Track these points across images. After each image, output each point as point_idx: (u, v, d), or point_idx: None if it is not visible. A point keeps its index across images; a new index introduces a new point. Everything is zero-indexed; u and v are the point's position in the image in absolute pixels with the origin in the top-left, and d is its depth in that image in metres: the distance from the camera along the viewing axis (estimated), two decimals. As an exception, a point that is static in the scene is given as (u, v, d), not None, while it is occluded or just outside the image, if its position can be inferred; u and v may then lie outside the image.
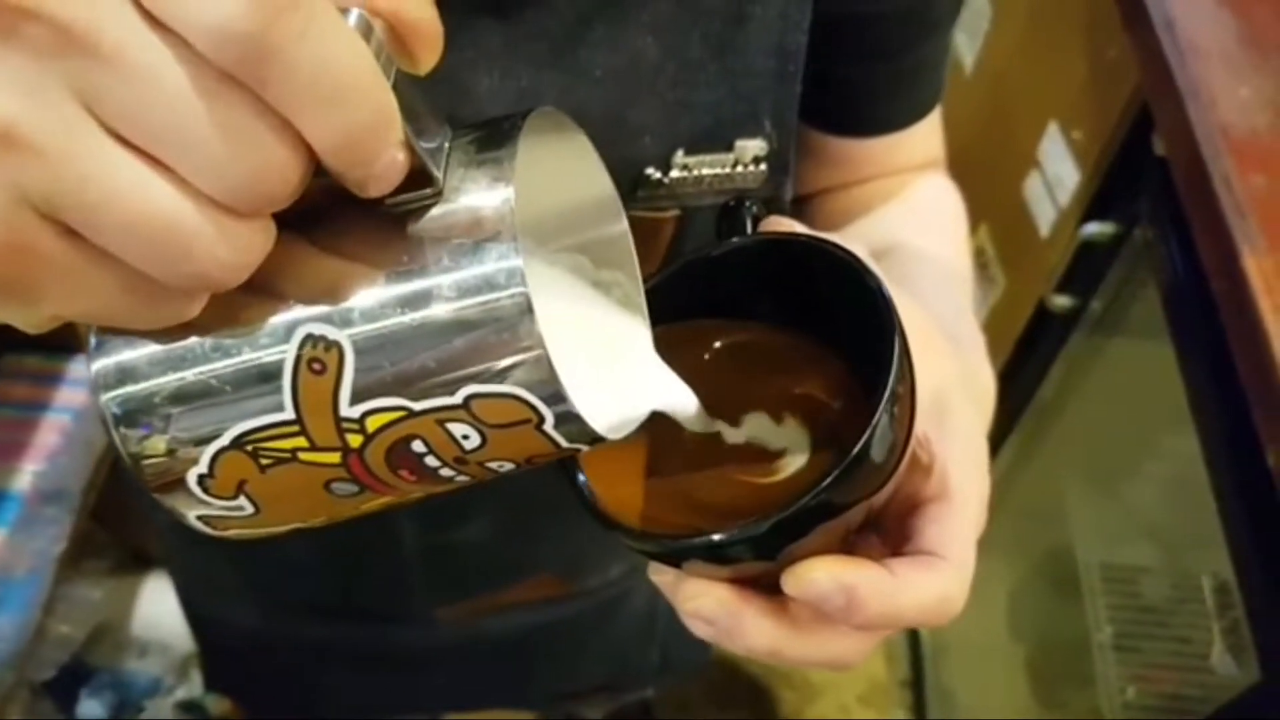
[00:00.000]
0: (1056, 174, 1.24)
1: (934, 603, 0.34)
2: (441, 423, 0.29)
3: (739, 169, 0.48)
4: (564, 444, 0.30)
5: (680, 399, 0.37)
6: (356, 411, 0.28)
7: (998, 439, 1.37)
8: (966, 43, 1.53)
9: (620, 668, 0.93)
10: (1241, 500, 0.81)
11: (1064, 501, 1.32)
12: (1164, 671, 1.18)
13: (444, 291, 0.27)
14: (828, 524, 0.33)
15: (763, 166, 0.49)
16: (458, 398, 0.28)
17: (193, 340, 0.28)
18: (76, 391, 1.07)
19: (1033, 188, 1.30)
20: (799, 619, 0.34)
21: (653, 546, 0.35)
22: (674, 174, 0.47)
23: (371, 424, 0.29)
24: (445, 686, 0.88)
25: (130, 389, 0.29)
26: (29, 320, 0.25)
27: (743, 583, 0.35)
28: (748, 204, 0.41)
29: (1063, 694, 1.35)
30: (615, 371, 0.37)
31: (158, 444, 0.29)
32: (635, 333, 0.38)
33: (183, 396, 0.29)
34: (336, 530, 0.66)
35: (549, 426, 0.29)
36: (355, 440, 0.29)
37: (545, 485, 0.62)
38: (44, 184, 0.22)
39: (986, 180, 1.47)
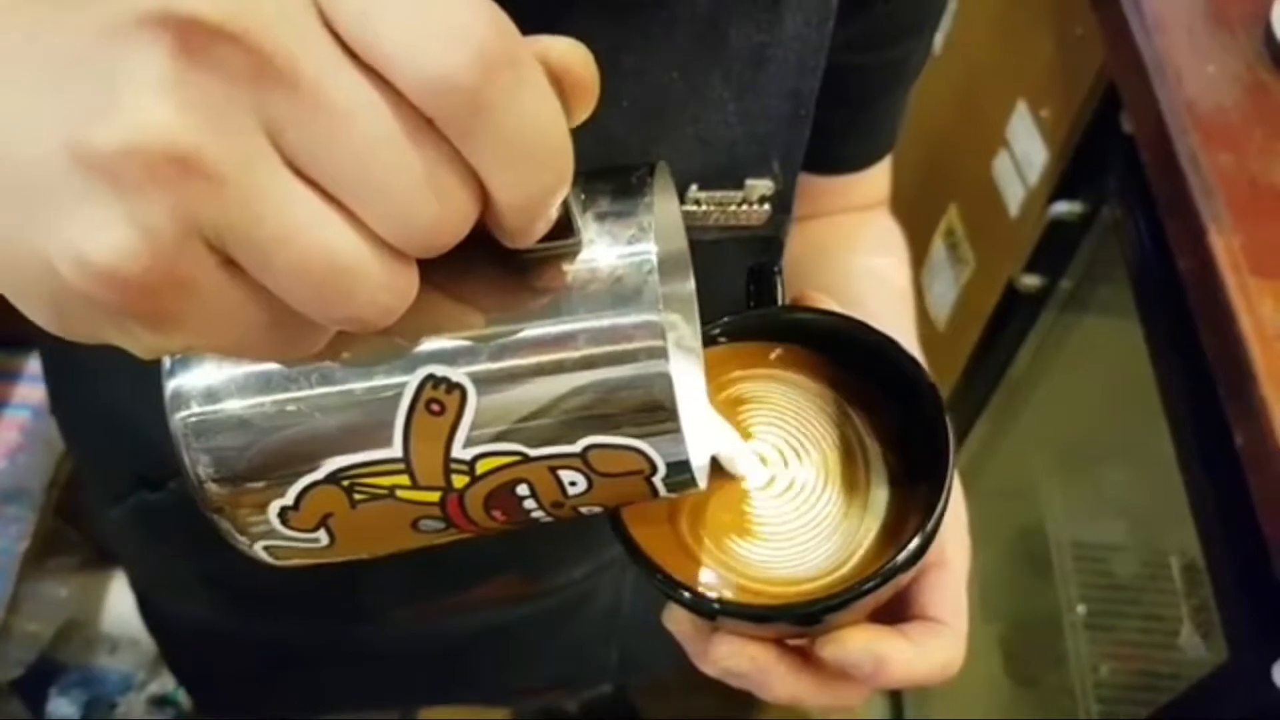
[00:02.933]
0: (1025, 153, 1.24)
1: (942, 667, 0.38)
2: (554, 469, 0.29)
3: (745, 207, 0.49)
4: (663, 493, 0.31)
5: (737, 450, 0.38)
6: (469, 454, 0.28)
7: (969, 418, 1.38)
8: (935, 21, 1.52)
9: (578, 666, 0.93)
10: (1209, 480, 0.81)
11: (1035, 480, 1.32)
12: (1136, 649, 1.18)
13: (580, 344, 0.27)
14: (866, 602, 0.35)
15: (767, 206, 0.50)
16: (577, 447, 0.28)
17: (297, 369, 0.27)
18: (35, 388, 1.06)
19: (1002, 167, 1.30)
20: (820, 674, 0.37)
21: (704, 608, 0.36)
22: (686, 207, 0.48)
23: (482, 467, 0.29)
24: (399, 683, 0.88)
25: (216, 410, 0.28)
26: (152, 347, 0.24)
27: (771, 639, 0.37)
28: (777, 269, 0.44)
29: (1036, 672, 1.36)
30: (693, 420, 0.38)
31: (242, 473, 0.28)
32: (695, 379, 0.38)
33: (280, 426, 0.28)
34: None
35: (659, 478, 0.30)
36: (460, 481, 0.29)
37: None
38: (219, 217, 0.21)
39: (957, 160, 1.47)
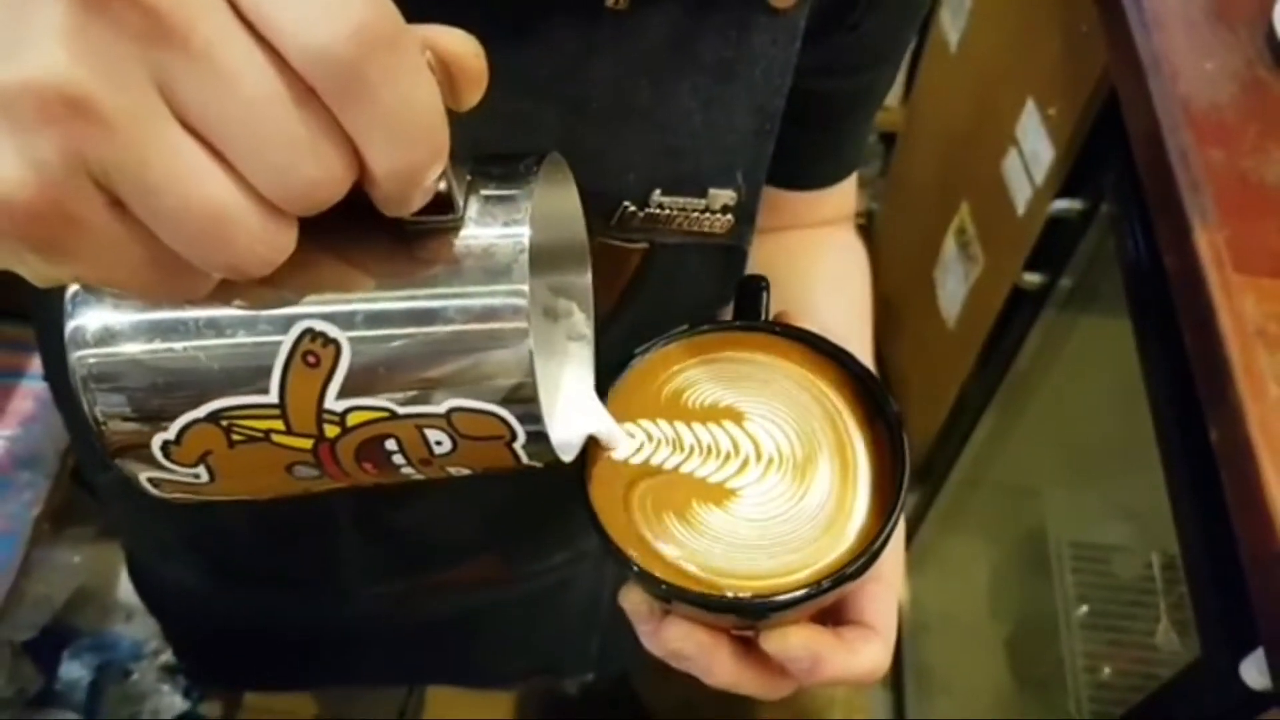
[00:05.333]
0: (1033, 151, 1.23)
1: (869, 670, 0.42)
2: (420, 428, 0.31)
3: (708, 215, 0.51)
4: (524, 460, 0.33)
5: (610, 430, 0.40)
6: (340, 406, 0.30)
7: (974, 417, 1.37)
8: (951, 20, 1.52)
9: (559, 653, 0.94)
10: (1186, 477, 0.81)
11: (1038, 478, 1.32)
12: (1134, 650, 1.18)
13: (450, 312, 0.29)
14: (814, 604, 0.38)
15: (730, 216, 0.51)
16: (441, 408, 0.31)
17: (187, 314, 0.30)
18: (49, 359, 1.09)
19: (1011, 165, 1.29)
20: (760, 665, 0.41)
21: (666, 593, 0.38)
22: (649, 210, 0.50)
23: (352, 419, 0.31)
24: (380, 663, 0.89)
25: (110, 350, 0.30)
26: (45, 275, 0.26)
27: (718, 627, 0.41)
28: (764, 285, 0.47)
29: (1038, 671, 1.35)
30: (566, 397, 0.40)
31: (129, 406, 0.30)
32: (582, 362, 0.41)
33: (167, 366, 0.30)
34: (276, 506, 0.67)
35: (519, 444, 0.32)
36: (332, 431, 0.31)
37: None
38: (107, 158, 0.23)
39: (969, 158, 1.47)
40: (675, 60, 0.47)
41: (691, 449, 0.41)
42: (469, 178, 0.31)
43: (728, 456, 0.41)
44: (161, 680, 1.35)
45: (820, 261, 0.65)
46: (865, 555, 0.38)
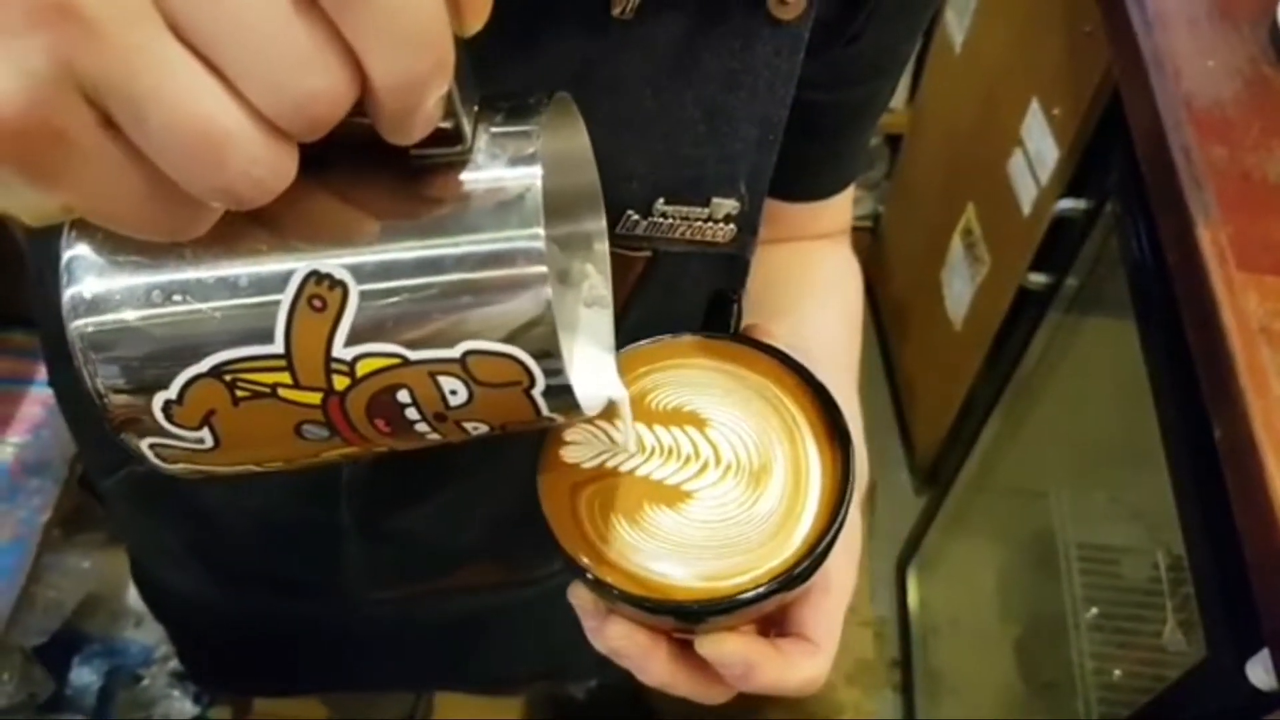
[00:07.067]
0: (1038, 151, 1.23)
1: (805, 682, 0.42)
2: (433, 375, 0.29)
3: (711, 224, 0.51)
4: (544, 411, 0.31)
5: (625, 399, 0.40)
6: (349, 354, 0.28)
7: (982, 419, 1.37)
8: (956, 21, 1.52)
9: (561, 658, 0.94)
10: (1191, 476, 0.80)
11: (1046, 480, 1.31)
12: (1143, 652, 1.17)
13: (462, 250, 0.28)
14: (746, 612, 0.39)
15: (732, 225, 0.51)
16: (456, 352, 0.29)
17: (185, 262, 0.28)
18: (57, 365, 1.10)
19: (1016, 166, 1.29)
20: (696, 668, 0.41)
21: (604, 592, 0.39)
22: (653, 219, 0.50)
23: (362, 368, 0.29)
24: (385, 668, 0.89)
25: (109, 310, 0.28)
26: (36, 207, 0.24)
27: (658, 628, 0.41)
28: (735, 296, 0.48)
29: (1047, 673, 1.35)
30: (585, 359, 0.39)
31: (129, 365, 0.29)
32: (601, 327, 0.40)
33: (167, 319, 0.28)
34: (276, 507, 0.67)
35: (537, 391, 0.30)
36: (341, 383, 0.29)
37: (487, 473, 0.63)
38: (95, 67, 0.21)
39: (975, 159, 1.47)
40: (680, 70, 0.47)
41: (652, 450, 0.42)
42: (476, 110, 0.29)
43: (687, 460, 0.41)
44: (171, 686, 1.36)
45: (813, 276, 0.66)
46: (799, 566, 0.38)
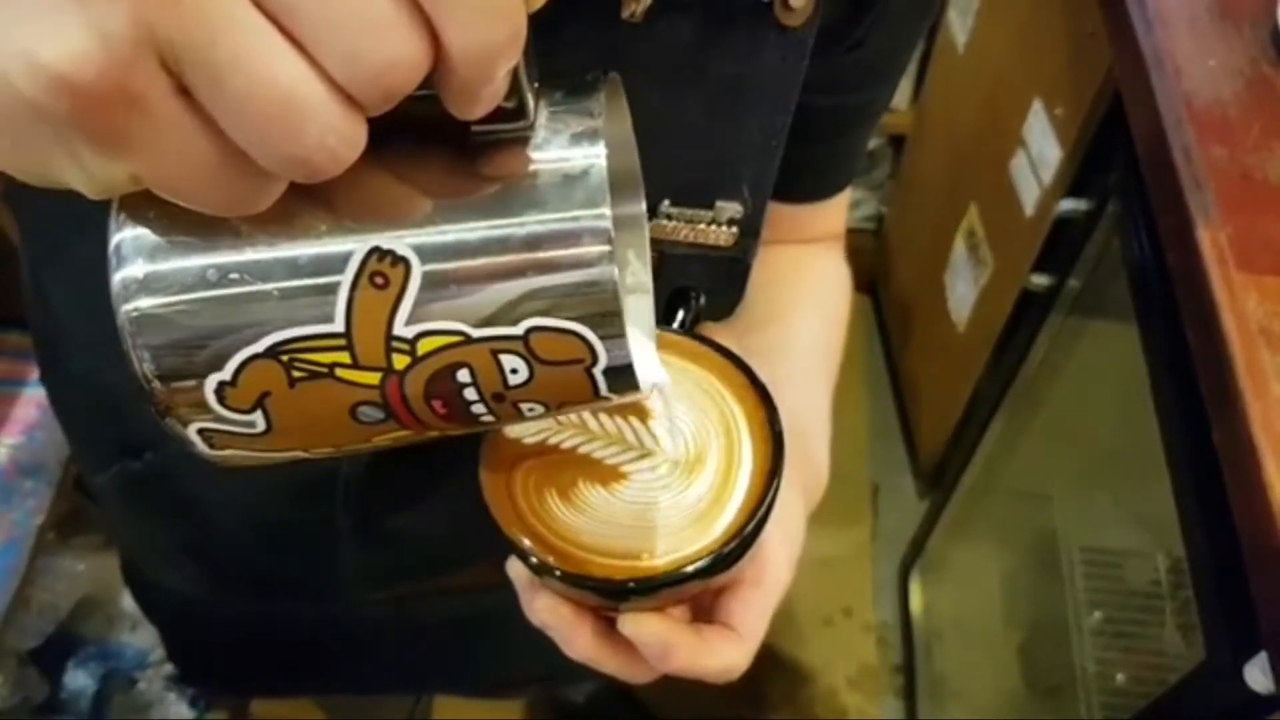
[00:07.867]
0: (1040, 151, 1.22)
1: (723, 669, 0.43)
2: (495, 353, 0.29)
3: (714, 227, 0.52)
4: (603, 390, 0.31)
5: (667, 386, 0.40)
6: (411, 331, 0.28)
7: (985, 421, 1.36)
8: (959, 21, 1.51)
9: (556, 661, 0.93)
10: (1191, 478, 0.80)
11: (1049, 484, 1.30)
12: (1146, 656, 1.16)
13: (528, 228, 0.27)
14: (662, 595, 0.40)
15: (735, 229, 0.52)
16: (519, 329, 0.28)
17: (242, 241, 0.27)
18: (52, 366, 1.10)
19: (1019, 166, 1.28)
20: (618, 646, 0.43)
21: (533, 566, 0.40)
22: (657, 220, 0.50)
23: (423, 346, 0.28)
24: (382, 669, 0.89)
25: (160, 287, 0.27)
26: (103, 176, 0.24)
27: (583, 604, 0.42)
28: (694, 294, 0.49)
29: (1051, 677, 1.34)
30: (632, 337, 0.39)
31: (183, 343, 0.28)
32: (643, 312, 0.40)
33: (223, 294, 0.27)
34: (272, 506, 0.67)
35: (599, 369, 0.30)
36: (401, 362, 0.28)
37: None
38: (176, 31, 0.21)
39: (977, 160, 1.46)
40: (687, 73, 0.47)
41: (594, 434, 0.42)
42: (537, 85, 0.28)
43: (626, 445, 0.42)
44: (167, 689, 1.36)
45: (801, 281, 0.66)
46: (719, 553, 0.38)
